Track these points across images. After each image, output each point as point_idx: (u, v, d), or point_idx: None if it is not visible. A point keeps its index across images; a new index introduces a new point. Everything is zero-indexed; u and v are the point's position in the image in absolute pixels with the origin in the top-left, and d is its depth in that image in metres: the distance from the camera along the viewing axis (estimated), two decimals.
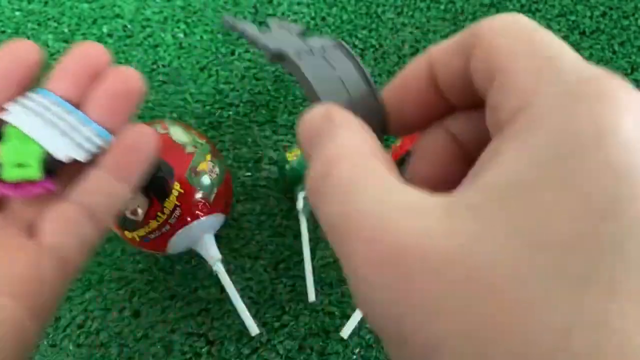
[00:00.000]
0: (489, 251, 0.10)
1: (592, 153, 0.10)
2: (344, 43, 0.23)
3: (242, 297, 0.41)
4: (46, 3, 0.64)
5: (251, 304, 0.42)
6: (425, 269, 0.11)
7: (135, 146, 0.25)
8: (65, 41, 0.61)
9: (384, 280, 0.11)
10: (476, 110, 0.16)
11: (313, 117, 0.16)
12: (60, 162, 0.23)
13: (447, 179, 0.17)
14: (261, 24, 0.31)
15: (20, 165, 0.23)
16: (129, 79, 0.25)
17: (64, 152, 0.23)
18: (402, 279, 0.11)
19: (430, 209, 0.12)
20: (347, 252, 0.13)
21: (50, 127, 0.23)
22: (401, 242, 0.11)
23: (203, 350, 0.40)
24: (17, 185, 0.23)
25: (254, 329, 0.40)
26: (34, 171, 0.23)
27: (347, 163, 0.14)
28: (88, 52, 0.25)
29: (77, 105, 0.25)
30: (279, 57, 0.24)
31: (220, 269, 0.41)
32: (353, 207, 0.13)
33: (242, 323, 0.41)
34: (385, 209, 0.12)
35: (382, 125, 0.20)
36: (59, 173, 0.24)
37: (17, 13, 0.63)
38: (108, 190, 0.24)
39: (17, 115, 0.23)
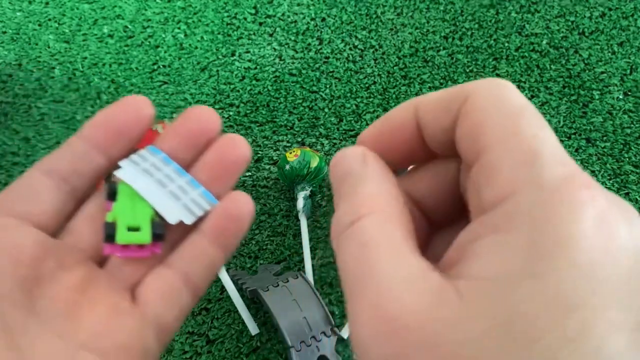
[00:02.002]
0: (472, 334, 0.13)
1: (563, 255, 0.13)
2: (302, 273, 0.33)
3: (242, 296, 0.41)
4: (47, 4, 0.64)
5: (251, 304, 0.42)
6: (418, 344, 0.13)
7: (236, 213, 0.24)
8: (66, 42, 0.61)
9: (383, 352, 0.14)
10: (431, 168, 0.18)
11: (349, 155, 0.17)
12: (166, 225, 0.23)
13: None
14: (254, 272, 0.43)
15: (132, 228, 0.22)
16: (238, 146, 0.24)
17: (174, 215, 0.23)
18: (399, 354, 0.13)
19: (428, 287, 0.14)
20: (354, 309, 0.15)
21: (161, 188, 0.23)
22: (401, 318, 0.14)
23: (203, 349, 0.40)
24: (125, 246, 0.23)
25: (253, 328, 0.40)
26: (145, 236, 0.22)
27: (371, 220, 0.15)
28: (200, 115, 0.25)
29: (185, 167, 0.24)
30: (253, 292, 0.37)
31: (220, 269, 0.41)
32: (367, 267, 0.15)
33: (242, 322, 0.41)
34: (393, 278, 0.14)
35: (328, 318, 0.29)
36: (164, 236, 0.23)
37: (19, 14, 0.64)
38: (207, 258, 0.24)
39: (131, 173, 0.23)
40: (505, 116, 0.15)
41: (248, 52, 0.60)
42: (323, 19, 0.62)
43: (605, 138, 0.52)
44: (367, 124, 0.53)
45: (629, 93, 0.55)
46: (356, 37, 0.60)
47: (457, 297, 0.13)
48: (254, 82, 0.57)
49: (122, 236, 0.22)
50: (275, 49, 0.60)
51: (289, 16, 0.62)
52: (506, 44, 0.59)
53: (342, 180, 0.17)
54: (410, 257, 0.15)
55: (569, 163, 0.14)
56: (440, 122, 0.16)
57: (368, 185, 0.16)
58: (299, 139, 0.53)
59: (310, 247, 0.44)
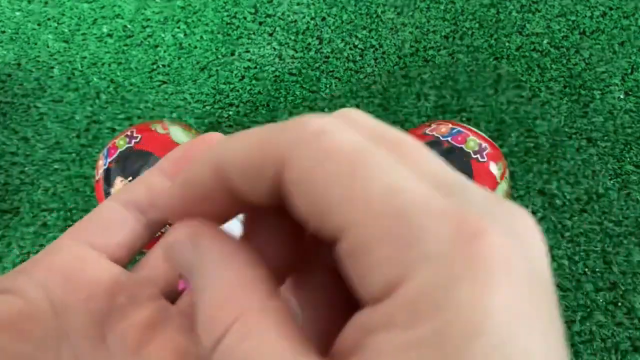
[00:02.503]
0: None
1: (476, 347, 0.11)
2: None
3: None
4: (46, 3, 0.64)
5: None
6: None
7: None
8: (66, 41, 0.61)
9: None
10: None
11: (176, 245, 0.14)
12: None
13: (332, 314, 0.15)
14: None
15: None
16: None
17: None
18: None
19: None
20: None
21: (239, 223, 0.24)
22: None
23: None
24: None
25: None
26: None
27: (234, 339, 0.12)
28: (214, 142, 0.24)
29: None
30: None
31: None
32: None
33: None
34: None
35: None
36: None
37: (17, 13, 0.63)
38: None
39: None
40: (347, 176, 0.12)
41: (248, 51, 0.59)
42: (323, 19, 0.62)
43: (606, 138, 0.51)
44: None
45: (630, 93, 0.55)
46: (356, 36, 0.60)
47: None
48: (253, 81, 0.57)
49: None
50: (275, 49, 0.60)
51: (288, 15, 0.62)
52: (507, 44, 0.59)
53: (181, 269, 0.14)
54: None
55: (436, 198, 0.12)
56: (257, 188, 0.13)
57: (212, 280, 0.13)
58: None
59: None
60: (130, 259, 0.23)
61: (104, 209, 0.22)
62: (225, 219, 0.15)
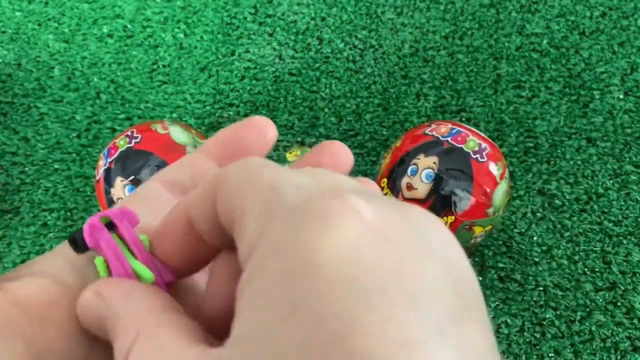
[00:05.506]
0: None
1: (316, 282, 0.11)
2: None
3: None
4: (46, 3, 0.64)
5: None
6: None
7: None
8: (66, 41, 0.61)
9: None
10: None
11: (85, 301, 0.16)
12: None
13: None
14: None
15: None
16: (369, 184, 0.23)
17: None
18: None
19: None
20: None
21: None
22: None
23: None
24: None
25: None
26: None
27: (134, 352, 0.14)
28: (335, 151, 0.24)
29: None
30: None
31: None
32: None
33: None
34: None
35: None
36: None
37: (18, 13, 0.63)
38: None
39: None
40: (245, 173, 0.14)
41: (248, 51, 0.60)
42: (323, 19, 0.62)
43: (605, 138, 0.51)
44: (367, 124, 0.53)
45: (630, 93, 0.55)
46: (356, 36, 0.60)
47: None
48: (253, 81, 0.57)
49: None
50: (275, 49, 0.60)
51: (288, 16, 0.62)
52: (506, 44, 0.59)
53: (97, 328, 0.16)
54: (180, 351, 0.13)
55: (314, 186, 0.13)
56: (204, 211, 0.15)
57: (118, 319, 0.15)
58: (299, 139, 0.52)
59: None
60: None
61: (146, 190, 0.21)
62: (202, 265, 0.17)
